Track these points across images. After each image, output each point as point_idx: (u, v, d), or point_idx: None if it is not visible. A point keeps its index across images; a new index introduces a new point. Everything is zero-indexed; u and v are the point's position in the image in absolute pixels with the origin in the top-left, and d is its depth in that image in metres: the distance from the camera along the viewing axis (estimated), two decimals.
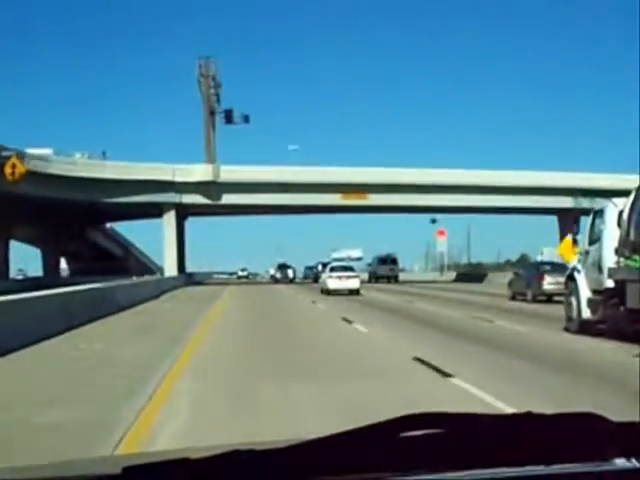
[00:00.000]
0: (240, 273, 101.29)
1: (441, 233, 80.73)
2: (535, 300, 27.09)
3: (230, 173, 52.78)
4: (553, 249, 39.18)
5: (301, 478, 1.32)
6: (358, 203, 56.21)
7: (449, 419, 1.45)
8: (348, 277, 35.51)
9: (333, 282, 35.15)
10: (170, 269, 52.05)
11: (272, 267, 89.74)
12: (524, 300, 27.50)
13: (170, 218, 53.06)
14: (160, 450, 3.27)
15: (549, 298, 26.44)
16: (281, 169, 54.37)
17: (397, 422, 1.41)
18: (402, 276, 65.81)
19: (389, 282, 57.70)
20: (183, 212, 55.34)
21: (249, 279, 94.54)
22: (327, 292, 34.81)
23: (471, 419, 1.49)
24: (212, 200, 53.05)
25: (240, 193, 52.24)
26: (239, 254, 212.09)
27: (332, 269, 36.81)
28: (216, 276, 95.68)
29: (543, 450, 1.40)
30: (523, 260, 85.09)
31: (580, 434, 1.43)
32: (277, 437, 1.84)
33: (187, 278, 53.87)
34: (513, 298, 29.00)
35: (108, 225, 78.51)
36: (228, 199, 53.09)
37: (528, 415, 1.48)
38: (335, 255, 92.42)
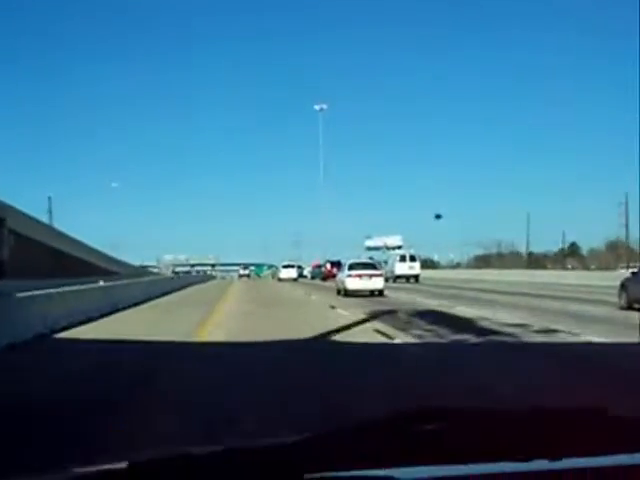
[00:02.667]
0: (241, 272, 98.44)
1: None
2: None
3: None
4: None
5: (307, 472, 1.33)
6: None
7: (456, 413, 1.49)
8: (370, 276, 30.72)
9: (352, 282, 30.55)
10: None
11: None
12: None
13: None
14: (164, 447, 3.07)
15: None
16: None
17: (404, 415, 1.45)
18: (429, 274, 62.69)
19: (407, 281, 53.00)
20: None
21: (252, 278, 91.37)
22: (345, 293, 30.65)
23: (477, 413, 1.53)
24: None
25: None
26: (249, 246, 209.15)
27: (351, 267, 31.87)
28: (218, 272, 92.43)
29: (548, 444, 1.43)
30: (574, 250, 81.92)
31: (585, 428, 1.46)
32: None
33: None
34: (629, 307, 20.24)
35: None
36: None
37: (534, 409, 1.51)
38: (369, 243, 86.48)
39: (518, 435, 1.44)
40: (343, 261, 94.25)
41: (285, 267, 74.64)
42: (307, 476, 1.31)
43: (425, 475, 1.37)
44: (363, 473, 1.35)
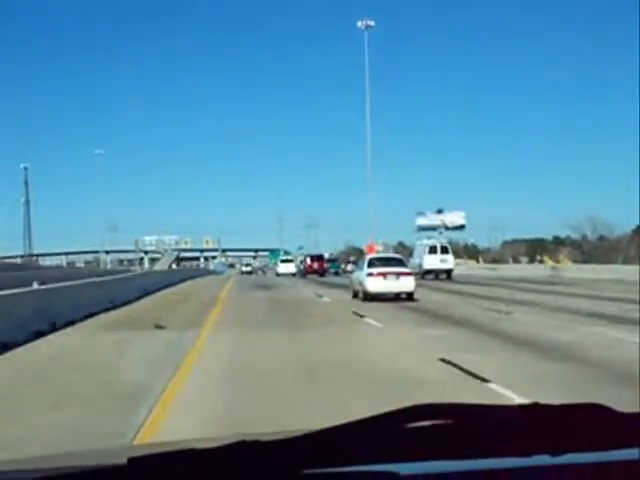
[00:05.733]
0: (244, 269, 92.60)
1: None
2: None
3: None
4: None
5: (308, 468, 1.34)
6: None
7: (456, 409, 1.50)
8: (397, 274, 24.70)
9: (375, 282, 24.51)
10: None
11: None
12: None
13: None
14: (165, 441, 3.10)
15: None
16: None
17: (404, 412, 1.44)
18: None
19: (437, 278, 45.75)
20: None
21: (257, 274, 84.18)
22: (365, 297, 24.74)
23: (477, 409, 1.54)
24: None
25: None
26: (263, 230, 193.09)
27: (371, 263, 25.66)
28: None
29: (549, 440, 1.44)
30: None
31: (586, 425, 1.47)
32: None
33: None
34: None
35: None
36: None
37: (535, 405, 1.52)
38: (421, 222, 69.32)
39: (518, 431, 1.45)
40: (327, 254, 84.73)
41: (283, 262, 71.60)
42: (307, 472, 1.33)
43: (426, 470, 1.39)
44: (363, 468, 1.35)
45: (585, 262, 64.43)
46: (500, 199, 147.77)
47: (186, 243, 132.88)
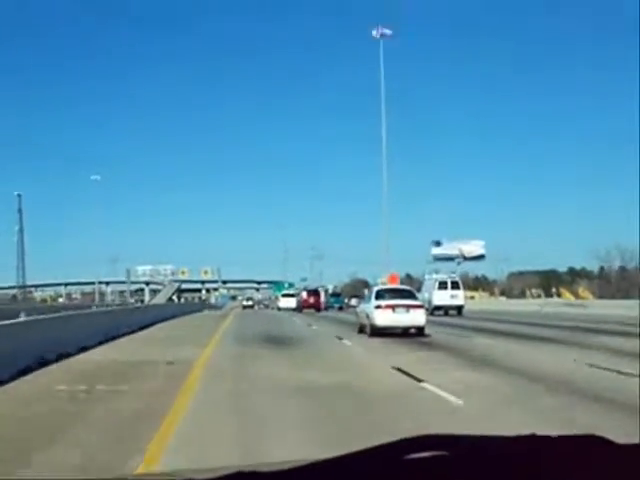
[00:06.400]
0: (245, 303, 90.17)
1: None
2: None
3: None
4: None
5: None
6: None
7: (453, 441, 1.52)
8: (407, 307, 23.42)
9: (383, 315, 23.24)
10: None
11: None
12: None
13: None
14: (164, 471, 3.33)
15: None
16: None
17: (401, 444, 1.46)
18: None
19: (446, 314, 44.12)
20: None
21: (259, 308, 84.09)
22: (372, 331, 23.35)
23: (475, 441, 1.56)
24: None
25: None
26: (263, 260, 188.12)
27: (379, 294, 24.31)
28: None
29: (547, 472, 1.45)
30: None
31: (584, 456, 1.48)
32: None
33: None
34: None
35: None
36: None
37: (532, 437, 1.54)
38: (437, 252, 68.51)
39: (515, 462, 1.45)
40: (331, 287, 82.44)
41: (284, 296, 71.16)
42: None
43: None
44: None
45: (612, 296, 60.08)
46: (503, 230, 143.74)
47: (183, 273, 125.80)
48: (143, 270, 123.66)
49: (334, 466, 1.37)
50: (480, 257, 66.94)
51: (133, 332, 26.13)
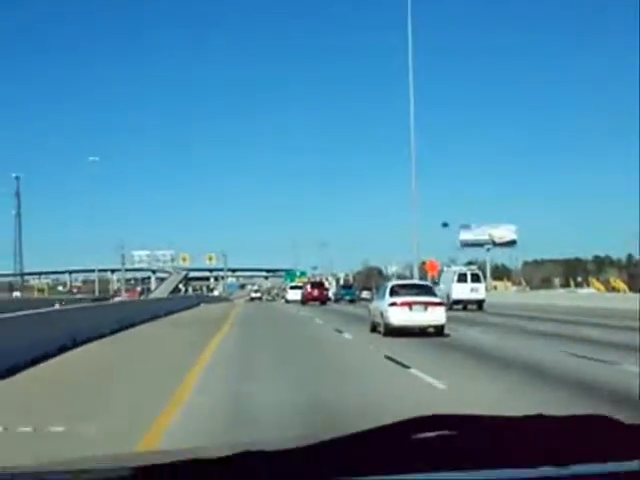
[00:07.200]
0: (253, 295, 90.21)
1: None
2: None
3: None
4: None
5: (315, 479, 1.37)
6: None
7: (461, 421, 1.52)
8: (425, 304, 21.33)
9: (399, 313, 21.20)
10: None
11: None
12: None
13: None
14: (172, 449, 3.04)
15: None
16: None
17: (409, 424, 1.47)
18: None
19: (465, 309, 40.83)
20: None
21: (266, 300, 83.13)
22: (386, 331, 21.26)
23: (482, 421, 1.56)
24: None
25: None
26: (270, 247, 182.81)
27: (394, 290, 22.34)
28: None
29: (554, 451, 1.46)
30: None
31: (591, 436, 1.48)
32: None
33: None
34: None
35: None
36: None
37: (540, 417, 1.54)
38: (466, 237, 62.63)
39: (523, 442, 1.47)
40: (342, 275, 79.07)
41: (292, 288, 68.82)
42: None
43: None
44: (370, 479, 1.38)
45: None
46: (515, 217, 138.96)
47: (184, 259, 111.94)
48: (139, 256, 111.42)
49: (342, 444, 1.40)
50: (511, 243, 62.60)
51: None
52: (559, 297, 52.42)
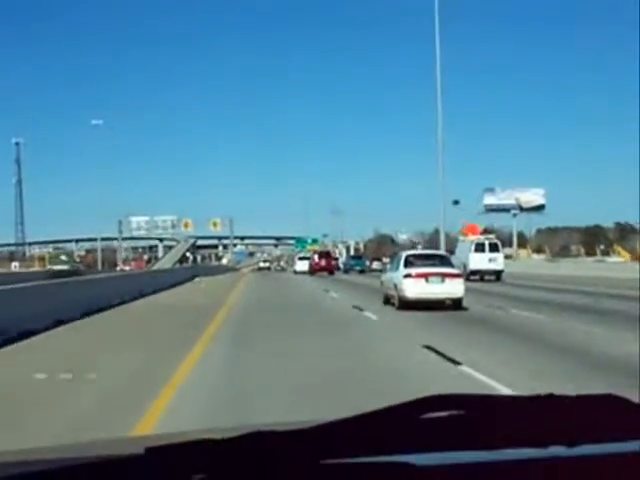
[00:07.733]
0: (262, 265, 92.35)
1: None
2: None
3: None
4: None
5: (324, 459, 1.34)
6: None
7: (470, 400, 1.50)
8: (443, 276, 20.27)
9: (414, 285, 20.04)
10: None
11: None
12: None
13: None
14: (181, 431, 3.15)
15: None
16: None
17: (418, 404, 1.45)
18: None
19: (482, 280, 39.43)
20: None
21: (275, 270, 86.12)
22: (401, 304, 20.33)
23: (492, 400, 1.56)
24: None
25: None
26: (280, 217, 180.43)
27: (408, 261, 21.23)
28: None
29: (565, 431, 1.44)
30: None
31: (602, 416, 1.46)
32: None
33: None
34: None
35: None
36: None
37: (550, 397, 1.52)
38: (490, 201, 60.61)
39: (533, 422, 1.45)
40: (353, 243, 79.59)
41: (301, 259, 69.13)
42: (323, 462, 1.33)
43: (442, 461, 1.39)
44: (380, 459, 1.35)
45: None
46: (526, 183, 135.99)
47: (186, 225, 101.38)
48: (137, 222, 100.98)
49: (351, 425, 1.39)
50: (540, 208, 59.98)
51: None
52: (590, 267, 49.64)
